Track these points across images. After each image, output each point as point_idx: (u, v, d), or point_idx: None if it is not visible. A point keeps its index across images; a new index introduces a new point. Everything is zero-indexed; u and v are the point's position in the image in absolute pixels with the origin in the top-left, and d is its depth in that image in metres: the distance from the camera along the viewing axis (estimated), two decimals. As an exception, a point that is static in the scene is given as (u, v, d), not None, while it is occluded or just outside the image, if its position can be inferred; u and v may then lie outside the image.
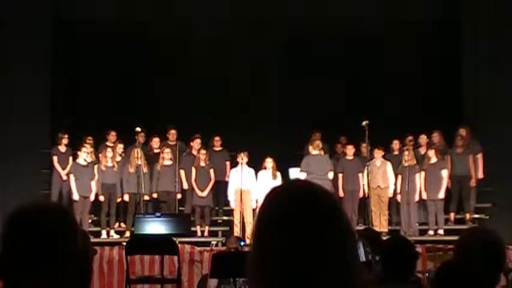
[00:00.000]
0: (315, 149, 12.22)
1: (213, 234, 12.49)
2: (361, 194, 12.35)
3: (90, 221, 12.41)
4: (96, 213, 12.53)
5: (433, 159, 12.22)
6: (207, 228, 12.43)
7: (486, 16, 13.27)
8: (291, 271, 1.41)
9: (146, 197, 12.23)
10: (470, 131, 12.63)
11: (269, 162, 12.29)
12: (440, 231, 12.06)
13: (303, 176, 11.71)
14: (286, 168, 12.56)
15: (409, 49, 14.27)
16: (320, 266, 1.41)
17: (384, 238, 6.74)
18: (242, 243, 9.50)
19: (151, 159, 12.61)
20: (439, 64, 14.37)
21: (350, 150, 12.52)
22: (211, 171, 12.52)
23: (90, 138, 12.46)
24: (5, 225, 1.83)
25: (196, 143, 12.80)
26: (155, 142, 12.97)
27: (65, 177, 12.33)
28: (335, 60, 14.35)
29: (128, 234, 12.06)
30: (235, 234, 11.66)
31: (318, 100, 14.23)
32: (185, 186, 12.51)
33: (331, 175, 12.13)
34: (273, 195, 1.50)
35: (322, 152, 12.34)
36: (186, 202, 12.58)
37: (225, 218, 12.94)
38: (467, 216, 12.39)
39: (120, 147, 12.59)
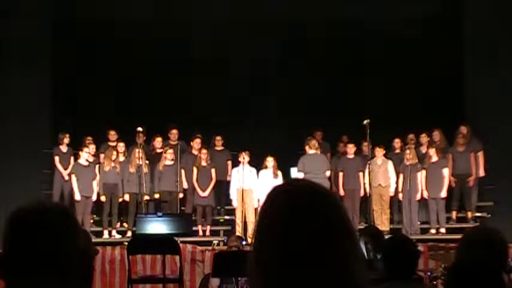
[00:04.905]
0: (311, 148, 12.20)
1: (214, 233, 12.49)
2: (362, 193, 12.35)
3: (92, 221, 12.43)
4: (98, 213, 12.55)
5: (434, 158, 12.21)
6: (208, 227, 12.43)
7: (487, 15, 13.26)
8: (292, 271, 1.41)
9: (147, 197, 12.23)
10: (471, 129, 12.63)
11: (270, 161, 12.29)
12: (442, 230, 12.05)
13: (300, 175, 11.71)
14: (287, 168, 12.55)
15: (409, 48, 14.25)
16: (321, 265, 1.41)
17: (386, 237, 6.72)
18: (244, 243, 9.49)
19: (153, 159, 12.61)
20: (439, 63, 14.35)
21: (351, 149, 12.52)
22: (213, 170, 12.52)
23: (89, 138, 12.45)
24: (7, 226, 1.82)
25: (196, 143, 12.80)
26: (158, 142, 12.97)
27: (67, 177, 12.33)
28: (335, 60, 14.34)
29: (129, 234, 12.07)
30: (237, 233, 11.65)
31: (318, 100, 14.22)
32: (185, 185, 12.50)
33: (328, 174, 12.11)
34: (274, 195, 1.50)
35: (319, 151, 12.33)
36: (187, 201, 12.57)
37: (226, 217, 12.94)
38: (469, 214, 12.38)
39: (121, 147, 12.57)
